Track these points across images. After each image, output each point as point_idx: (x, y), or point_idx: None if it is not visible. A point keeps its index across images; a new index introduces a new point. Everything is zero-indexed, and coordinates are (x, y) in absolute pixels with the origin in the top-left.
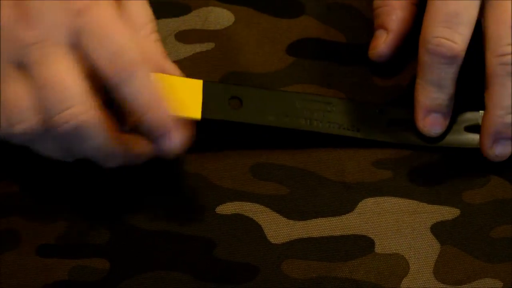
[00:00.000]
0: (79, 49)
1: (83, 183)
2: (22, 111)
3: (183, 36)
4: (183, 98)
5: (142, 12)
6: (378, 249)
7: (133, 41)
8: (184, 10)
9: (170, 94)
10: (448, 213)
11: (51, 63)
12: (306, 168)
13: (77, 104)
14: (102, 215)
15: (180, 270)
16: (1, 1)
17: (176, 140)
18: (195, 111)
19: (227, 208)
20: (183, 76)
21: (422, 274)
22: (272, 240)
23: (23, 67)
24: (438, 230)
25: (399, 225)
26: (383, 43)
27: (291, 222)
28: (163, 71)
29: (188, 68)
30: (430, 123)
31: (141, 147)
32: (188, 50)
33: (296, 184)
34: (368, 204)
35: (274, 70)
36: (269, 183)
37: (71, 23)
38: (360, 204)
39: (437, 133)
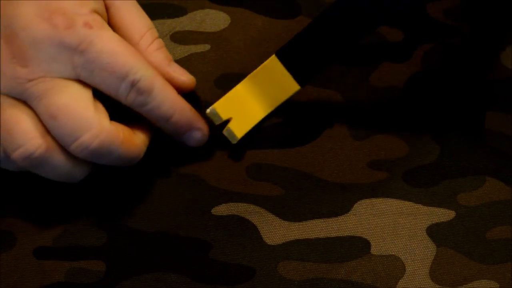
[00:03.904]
0: (85, 79)
1: (80, 185)
2: (23, 135)
3: (179, 37)
4: (274, 83)
5: (139, 22)
6: (374, 250)
7: (139, 61)
8: (180, 11)
9: (261, 92)
10: (444, 215)
11: (55, 95)
12: (301, 169)
13: (92, 128)
14: (98, 217)
15: (176, 272)
16: None
17: (200, 133)
18: (293, 85)
19: (222, 209)
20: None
21: (418, 276)
22: (268, 241)
23: (24, 100)
24: (434, 231)
25: (395, 226)
26: None
27: (287, 223)
28: (169, 78)
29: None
30: None
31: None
32: (183, 51)
33: (291, 185)
34: (363, 206)
35: None
36: (265, 184)
37: (72, 59)
38: (356, 205)
39: None
